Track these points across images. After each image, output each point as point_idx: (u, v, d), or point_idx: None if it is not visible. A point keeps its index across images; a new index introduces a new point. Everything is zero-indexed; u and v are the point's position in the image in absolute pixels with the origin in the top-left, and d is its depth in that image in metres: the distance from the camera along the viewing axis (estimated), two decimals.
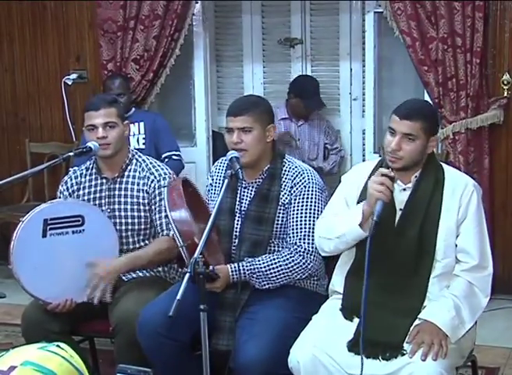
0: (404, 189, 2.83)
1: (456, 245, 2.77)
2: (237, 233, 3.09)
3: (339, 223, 2.81)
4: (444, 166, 2.90)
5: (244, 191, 3.13)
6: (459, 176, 2.88)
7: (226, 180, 2.87)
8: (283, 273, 3.00)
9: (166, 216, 3.23)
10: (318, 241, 2.94)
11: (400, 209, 2.82)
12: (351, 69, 5.56)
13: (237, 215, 3.09)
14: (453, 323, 2.68)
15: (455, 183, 2.82)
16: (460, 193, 2.79)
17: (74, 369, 1.47)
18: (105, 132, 3.27)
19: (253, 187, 3.12)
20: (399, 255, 2.77)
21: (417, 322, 2.73)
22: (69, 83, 5.51)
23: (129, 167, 3.38)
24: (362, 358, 2.58)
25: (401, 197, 2.82)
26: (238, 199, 3.10)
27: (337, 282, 2.94)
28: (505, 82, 4.61)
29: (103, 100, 3.43)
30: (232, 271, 2.98)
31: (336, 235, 2.82)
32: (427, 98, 4.75)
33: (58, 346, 1.49)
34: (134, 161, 3.40)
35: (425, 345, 2.62)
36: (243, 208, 3.10)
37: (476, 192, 2.81)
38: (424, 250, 2.76)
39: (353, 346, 2.69)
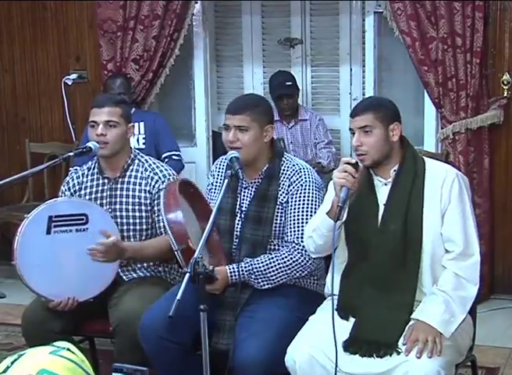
0: (385, 184, 2.86)
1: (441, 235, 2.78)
2: (237, 234, 3.09)
3: (314, 219, 2.90)
4: (426, 159, 2.91)
5: (245, 192, 3.13)
6: (440, 167, 2.88)
7: (226, 180, 2.87)
8: (282, 272, 3.00)
9: None
10: (305, 242, 2.97)
11: (383, 205, 2.84)
12: (351, 69, 5.57)
13: (238, 215, 3.10)
14: (444, 318, 2.68)
15: (435, 174, 2.83)
16: (441, 183, 2.79)
17: (86, 374, 1.48)
18: (105, 130, 3.27)
19: (252, 187, 3.12)
20: (385, 250, 2.78)
21: (410, 323, 2.73)
22: (69, 83, 5.51)
23: (130, 167, 3.37)
24: (337, 351, 2.60)
25: (383, 192, 2.85)
26: (238, 199, 3.10)
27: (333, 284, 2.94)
28: (505, 82, 4.61)
29: (109, 99, 3.45)
30: (230, 272, 2.98)
31: (311, 229, 2.87)
32: (427, 98, 4.76)
33: (68, 350, 1.49)
34: (136, 161, 3.39)
35: (420, 343, 2.62)
36: (243, 209, 3.10)
37: (458, 180, 2.80)
38: (410, 243, 2.77)
39: (348, 346, 2.70)
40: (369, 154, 2.80)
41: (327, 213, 2.77)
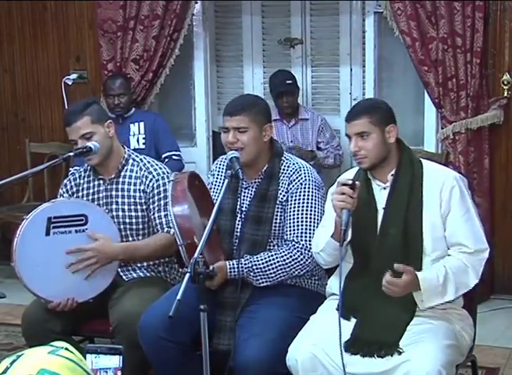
0: (384, 188, 2.86)
1: (445, 238, 2.78)
2: (237, 234, 3.09)
3: (320, 237, 2.89)
4: (424, 161, 2.91)
5: (245, 192, 3.13)
6: (438, 171, 2.88)
7: (226, 181, 2.87)
8: (281, 270, 3.00)
9: (166, 215, 3.25)
10: (315, 256, 2.98)
11: (383, 209, 2.83)
12: (351, 70, 5.56)
13: (238, 215, 3.10)
14: (436, 289, 2.68)
15: (434, 178, 2.83)
16: (440, 187, 2.79)
17: (86, 373, 1.48)
18: (86, 143, 3.24)
19: (253, 187, 3.13)
20: (386, 255, 2.78)
21: (412, 322, 2.73)
22: (69, 83, 5.51)
23: (125, 167, 3.37)
24: (342, 352, 2.60)
25: (382, 196, 2.85)
26: (239, 200, 3.10)
27: (335, 285, 2.94)
28: (505, 82, 4.61)
29: (73, 113, 3.30)
30: (230, 268, 2.98)
31: (319, 249, 2.89)
32: (427, 98, 4.76)
33: (66, 349, 1.49)
34: (131, 161, 3.39)
35: (396, 288, 2.64)
36: (243, 209, 3.10)
37: (458, 184, 2.80)
38: (411, 247, 2.78)
39: (349, 346, 2.70)
40: (368, 157, 2.80)
41: (332, 236, 2.78)
